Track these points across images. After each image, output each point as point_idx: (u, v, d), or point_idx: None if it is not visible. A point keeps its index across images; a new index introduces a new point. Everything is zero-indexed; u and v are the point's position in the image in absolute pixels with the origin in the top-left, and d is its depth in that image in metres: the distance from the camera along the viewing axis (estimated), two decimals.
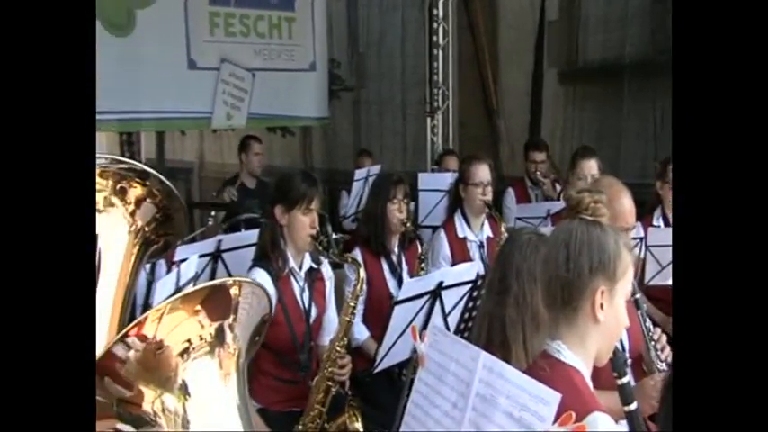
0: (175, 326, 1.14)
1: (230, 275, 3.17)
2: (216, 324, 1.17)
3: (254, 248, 3.25)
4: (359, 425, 2.64)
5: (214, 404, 1.15)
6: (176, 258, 2.87)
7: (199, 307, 1.17)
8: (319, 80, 7.88)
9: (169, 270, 2.98)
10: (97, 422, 1.08)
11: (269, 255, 2.91)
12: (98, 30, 6.04)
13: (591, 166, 4.03)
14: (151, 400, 1.12)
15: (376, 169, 5.49)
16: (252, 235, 3.30)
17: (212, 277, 3.14)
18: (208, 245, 3.19)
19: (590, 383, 1.67)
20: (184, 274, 2.56)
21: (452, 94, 7.83)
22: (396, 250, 3.70)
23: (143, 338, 1.12)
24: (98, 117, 5.90)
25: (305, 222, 2.91)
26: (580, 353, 1.64)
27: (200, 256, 2.96)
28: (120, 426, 1.09)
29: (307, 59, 7.73)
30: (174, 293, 2.49)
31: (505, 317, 2.09)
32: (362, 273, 2.95)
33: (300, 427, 2.72)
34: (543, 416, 1.37)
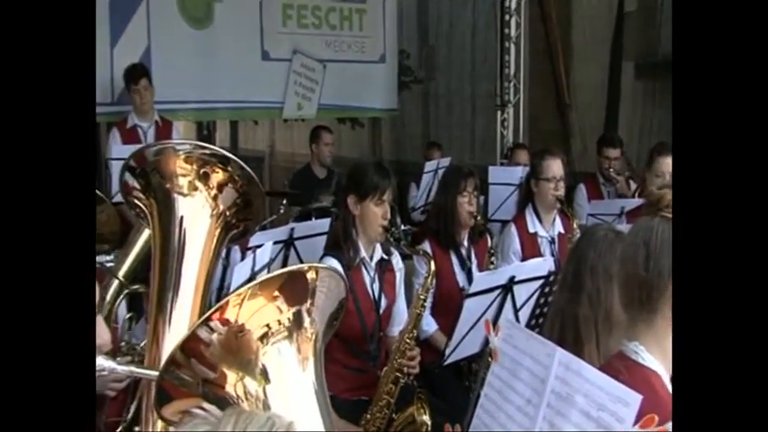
0: (255, 311, 1.16)
1: (302, 262, 3.22)
2: (294, 309, 1.19)
3: (325, 237, 3.29)
4: (426, 417, 2.63)
5: (292, 389, 1.17)
6: (250, 244, 2.92)
7: (277, 293, 1.18)
8: (389, 72, 7.90)
9: (243, 256, 3.05)
10: (185, 400, 1.11)
11: (341, 244, 2.94)
12: (179, 23, 6.25)
13: (669, 164, 3.89)
14: (233, 382, 1.14)
15: (446, 162, 5.46)
16: (323, 224, 3.33)
17: (285, 264, 3.19)
18: (281, 232, 3.25)
19: (670, 387, 1.61)
20: (259, 259, 2.61)
21: (524, 87, 7.71)
22: (465, 243, 3.67)
23: (225, 322, 1.15)
24: (176, 106, 6.11)
25: (377, 213, 2.92)
26: (659, 356, 1.58)
27: (274, 243, 3.01)
28: (205, 405, 1.11)
29: (377, 51, 7.77)
30: (249, 279, 2.54)
31: (578, 315, 2.04)
32: (433, 265, 2.94)
33: (368, 416, 2.74)
34: (623, 417, 1.32)
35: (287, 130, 10.07)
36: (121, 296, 2.61)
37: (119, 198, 3.56)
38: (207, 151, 1.78)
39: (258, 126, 9.40)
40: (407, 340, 2.81)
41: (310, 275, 1.21)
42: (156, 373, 1.41)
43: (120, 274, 2.59)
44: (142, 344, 2.50)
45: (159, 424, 1.51)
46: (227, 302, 1.15)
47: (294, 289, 1.20)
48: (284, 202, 4.77)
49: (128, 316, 2.62)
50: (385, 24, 7.78)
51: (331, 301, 1.25)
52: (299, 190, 5.34)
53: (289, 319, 1.18)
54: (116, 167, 4.21)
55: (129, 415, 2.49)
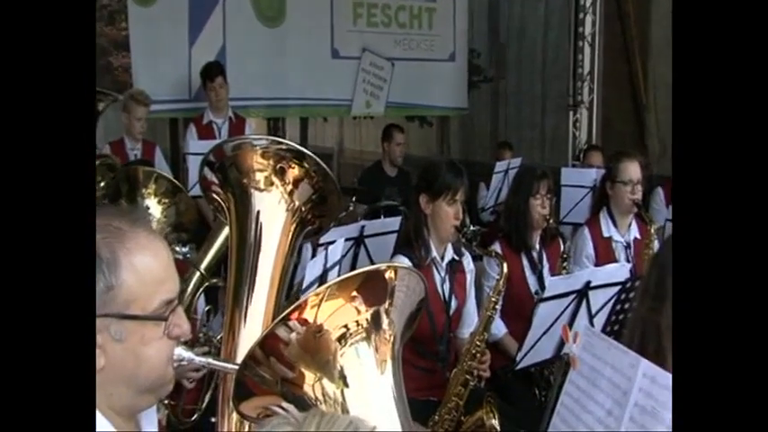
0: (333, 311, 1.14)
1: (372, 260, 3.21)
2: (372, 309, 1.16)
3: (395, 236, 3.27)
4: (495, 422, 2.58)
5: (371, 393, 1.14)
6: (322, 241, 2.93)
7: (355, 293, 1.16)
8: (458, 70, 7.84)
9: (314, 253, 3.05)
10: (264, 397, 1.10)
11: (412, 243, 2.91)
12: (253, 22, 6.39)
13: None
14: (311, 383, 1.12)
15: (517, 162, 5.36)
16: (394, 222, 3.31)
17: (354, 261, 3.19)
18: (352, 229, 3.24)
19: None
20: (331, 256, 2.61)
21: (597, 87, 7.50)
22: (537, 246, 3.58)
23: (304, 322, 1.13)
24: (249, 103, 6.22)
25: (449, 213, 2.88)
26: None
27: (345, 240, 3.01)
28: (284, 404, 1.10)
29: (446, 50, 7.72)
30: (321, 275, 2.54)
31: (661, 324, 1.95)
32: (506, 267, 2.87)
33: (437, 417, 2.70)
34: None
35: (355, 128, 10.12)
36: (201, 289, 2.66)
37: (196, 191, 3.67)
38: (283, 146, 1.78)
39: (327, 123, 9.49)
40: (478, 343, 2.76)
41: (389, 275, 1.18)
42: (233, 366, 1.42)
43: (202, 267, 2.64)
44: (218, 336, 2.54)
45: (235, 416, 1.52)
46: (305, 302, 1.13)
47: (373, 289, 1.17)
48: (353, 199, 4.78)
49: (206, 308, 2.66)
50: (455, 22, 7.72)
51: (410, 300, 1.22)
52: (369, 187, 5.34)
53: (367, 319, 1.16)
54: (193, 161, 4.31)
55: (204, 404, 2.54)
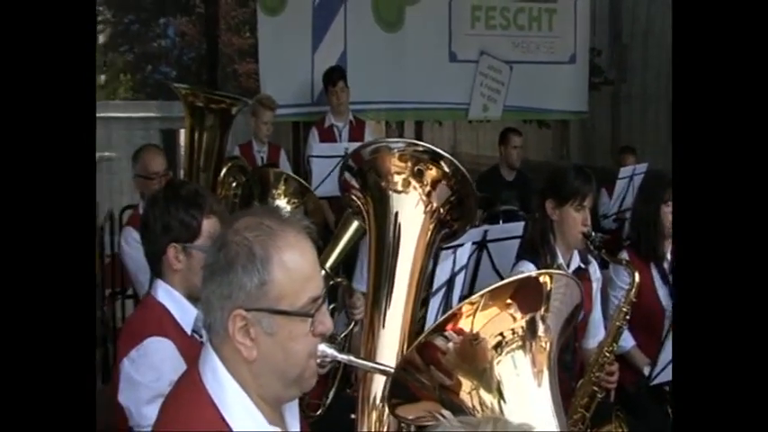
0: (489, 319, 1.14)
1: (494, 265, 3.17)
2: (528, 316, 1.15)
3: (517, 241, 3.21)
4: None
5: (529, 406, 1.13)
6: (447, 245, 2.92)
7: (510, 300, 1.15)
8: (579, 73, 7.62)
9: (436, 255, 3.05)
10: (422, 402, 1.11)
11: (537, 249, 2.86)
12: (373, 27, 6.51)
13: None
14: (468, 391, 1.13)
15: (642, 168, 5.14)
16: (517, 227, 3.26)
17: (477, 266, 3.16)
18: (476, 233, 3.22)
19: None
20: (459, 260, 2.60)
21: None
22: (668, 257, 3.42)
23: (459, 332, 1.14)
24: (367, 106, 6.33)
25: (577, 219, 2.82)
26: None
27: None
28: (443, 411, 1.11)
29: (567, 52, 7.52)
30: (448, 279, 2.54)
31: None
32: (637, 277, 2.76)
33: None
34: None
35: (471, 132, 10.07)
36: (326, 288, 2.72)
37: (319, 192, 3.78)
38: (420, 149, 1.80)
39: (443, 127, 9.52)
40: (606, 353, 2.67)
41: (543, 280, 1.17)
42: (379, 366, 1.45)
43: (327, 265, 2.71)
44: (342, 334, 2.61)
45: (374, 415, 1.55)
46: (460, 310, 1.14)
47: (527, 295, 1.16)
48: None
49: (330, 307, 2.73)
50: (576, 24, 7.51)
51: (566, 306, 1.20)
52: (486, 192, 5.29)
53: (522, 327, 1.15)
54: (315, 164, 4.43)
55: (329, 400, 2.61)
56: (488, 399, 1.11)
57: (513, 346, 1.13)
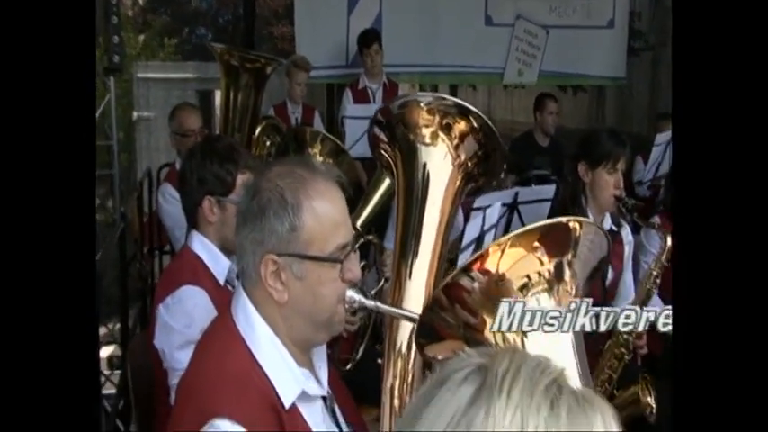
0: (515, 261, 1.16)
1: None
2: (555, 260, 1.16)
3: (548, 204, 3.21)
4: (651, 400, 2.49)
5: (551, 344, 1.15)
6: (476, 205, 2.93)
7: (537, 243, 1.17)
8: (617, 38, 7.45)
9: (466, 217, 3.07)
10: (447, 341, 1.14)
11: (568, 211, 2.85)
12: None
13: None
14: (492, 329, 1.15)
15: None
16: (548, 190, 3.25)
17: (507, 227, 3.17)
18: (506, 195, 3.22)
19: None
20: (488, 219, 2.62)
21: None
22: None
23: (485, 272, 1.15)
24: (402, 69, 6.30)
25: (609, 182, 2.81)
26: None
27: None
28: (467, 348, 1.14)
29: (605, 16, 7.35)
30: (477, 238, 2.56)
31: None
32: (669, 241, 2.74)
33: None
34: None
35: (507, 97, 9.96)
36: (356, 245, 2.75)
37: (353, 152, 3.80)
38: (449, 102, 1.80)
39: (477, 91, 9.43)
40: None
41: (573, 226, 1.18)
42: (404, 312, 1.48)
43: (358, 223, 2.74)
44: (372, 292, 2.64)
45: (400, 362, 1.59)
46: (487, 251, 1.16)
47: (556, 240, 1.17)
48: (504, 167, 4.73)
49: (361, 264, 2.76)
50: None
51: (594, 255, 1.21)
52: (520, 157, 5.26)
53: (549, 270, 1.16)
54: (349, 125, 4.45)
55: (359, 355, 2.66)
56: (511, 337, 1.13)
57: (539, 288, 1.15)
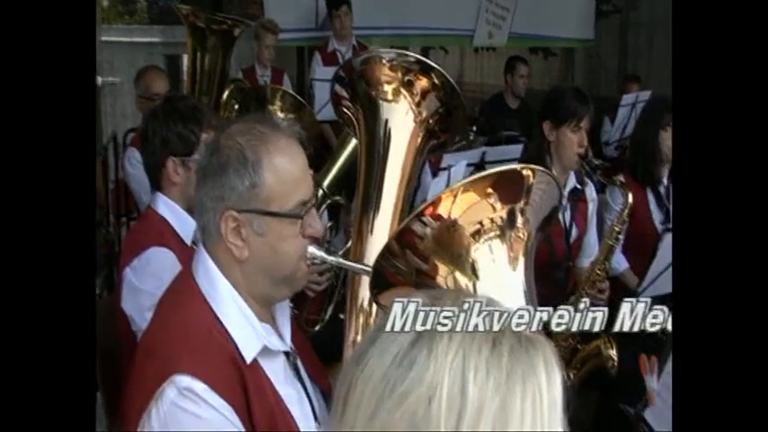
0: (468, 207, 1.17)
1: None
2: (507, 207, 1.18)
3: (515, 163, 3.24)
4: (613, 352, 2.55)
5: (502, 288, 1.17)
6: (443, 165, 2.95)
7: (491, 190, 1.18)
8: (586, 0, 7.48)
9: (434, 175, 3.09)
10: (399, 288, 1.16)
11: None
12: None
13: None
14: (444, 275, 1.17)
15: (645, 95, 5.08)
16: (515, 149, 3.28)
17: None
18: (473, 155, 3.25)
19: None
20: (453, 178, 2.64)
21: None
22: (665, 181, 3.43)
23: (437, 217, 1.17)
24: (371, 32, 6.23)
25: (573, 140, 2.83)
26: None
27: (467, 165, 3.02)
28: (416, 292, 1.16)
29: None
30: None
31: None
32: (630, 197, 2.79)
33: (553, 344, 2.71)
34: None
35: (477, 60, 9.95)
36: (324, 206, 2.76)
37: (322, 115, 3.78)
38: (411, 59, 1.80)
39: (448, 55, 9.41)
40: (598, 271, 2.73)
41: (526, 173, 1.19)
42: (363, 267, 1.50)
43: (324, 184, 2.74)
44: (340, 253, 2.65)
45: (362, 317, 1.61)
46: (439, 198, 1.17)
47: (508, 187, 1.19)
48: (474, 129, 4.75)
49: (328, 225, 2.77)
50: None
51: (545, 203, 1.23)
52: (489, 119, 5.28)
53: (502, 217, 1.18)
54: (318, 87, 4.42)
55: (327, 315, 2.69)
56: (463, 281, 1.15)
57: (491, 234, 1.17)
